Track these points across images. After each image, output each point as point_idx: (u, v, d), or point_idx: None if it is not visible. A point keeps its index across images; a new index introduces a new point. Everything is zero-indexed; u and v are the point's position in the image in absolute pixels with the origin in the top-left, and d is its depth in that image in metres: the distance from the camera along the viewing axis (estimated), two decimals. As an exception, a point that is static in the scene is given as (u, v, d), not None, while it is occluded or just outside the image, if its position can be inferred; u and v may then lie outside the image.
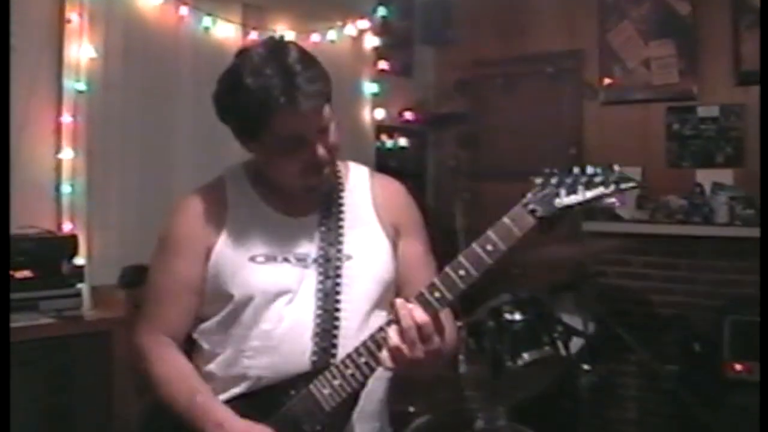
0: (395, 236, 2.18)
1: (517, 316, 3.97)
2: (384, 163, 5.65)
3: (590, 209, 5.21)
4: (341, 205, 2.14)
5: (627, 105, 5.51)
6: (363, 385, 1.96)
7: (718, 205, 5.07)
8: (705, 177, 5.23)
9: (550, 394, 4.31)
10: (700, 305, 5.04)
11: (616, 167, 1.81)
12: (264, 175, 2.10)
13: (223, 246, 2.05)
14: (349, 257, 2.08)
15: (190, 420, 1.95)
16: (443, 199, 6.03)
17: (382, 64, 5.74)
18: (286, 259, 2.05)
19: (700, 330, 4.89)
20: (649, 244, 5.24)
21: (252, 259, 2.03)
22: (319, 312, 2.03)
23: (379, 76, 5.71)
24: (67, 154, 3.96)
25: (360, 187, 2.20)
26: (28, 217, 3.68)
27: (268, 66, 1.92)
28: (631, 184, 1.80)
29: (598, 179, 1.80)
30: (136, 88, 4.17)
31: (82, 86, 3.97)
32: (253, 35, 4.73)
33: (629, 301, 5.34)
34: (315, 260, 2.06)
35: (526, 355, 3.91)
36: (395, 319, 1.81)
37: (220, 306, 2.05)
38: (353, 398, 1.97)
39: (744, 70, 5.09)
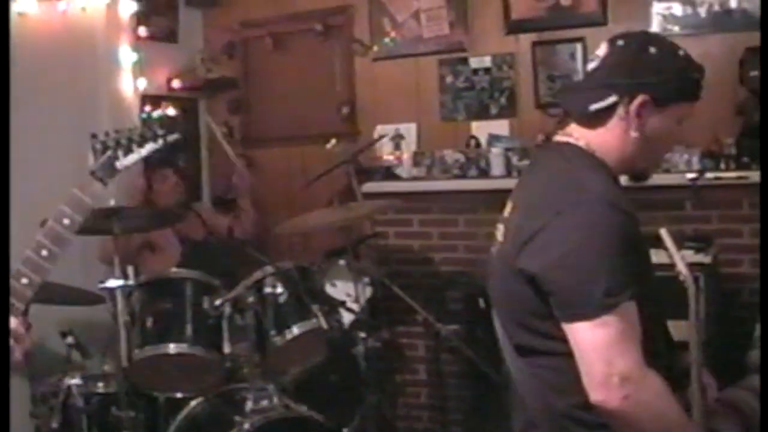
0: None
1: (280, 289, 3.74)
2: (151, 135, 5.29)
3: (367, 169, 5.09)
4: None
5: (399, 60, 5.36)
6: None
7: (493, 157, 4.99)
8: (480, 129, 5.15)
9: (330, 364, 4.15)
10: (481, 260, 4.97)
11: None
12: None
13: None
14: None
15: None
16: (218, 167, 5.80)
17: (142, 31, 5.36)
18: None
19: (482, 285, 4.82)
20: (428, 202, 5.15)
21: None
22: None
23: (140, 44, 5.34)
24: None
25: None
26: None
27: None
28: (175, 136, 2.06)
29: (148, 136, 2.02)
30: None
31: None
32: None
33: (410, 262, 5.23)
34: None
35: (295, 329, 3.71)
36: None
37: None
38: None
39: (513, 19, 5.02)
